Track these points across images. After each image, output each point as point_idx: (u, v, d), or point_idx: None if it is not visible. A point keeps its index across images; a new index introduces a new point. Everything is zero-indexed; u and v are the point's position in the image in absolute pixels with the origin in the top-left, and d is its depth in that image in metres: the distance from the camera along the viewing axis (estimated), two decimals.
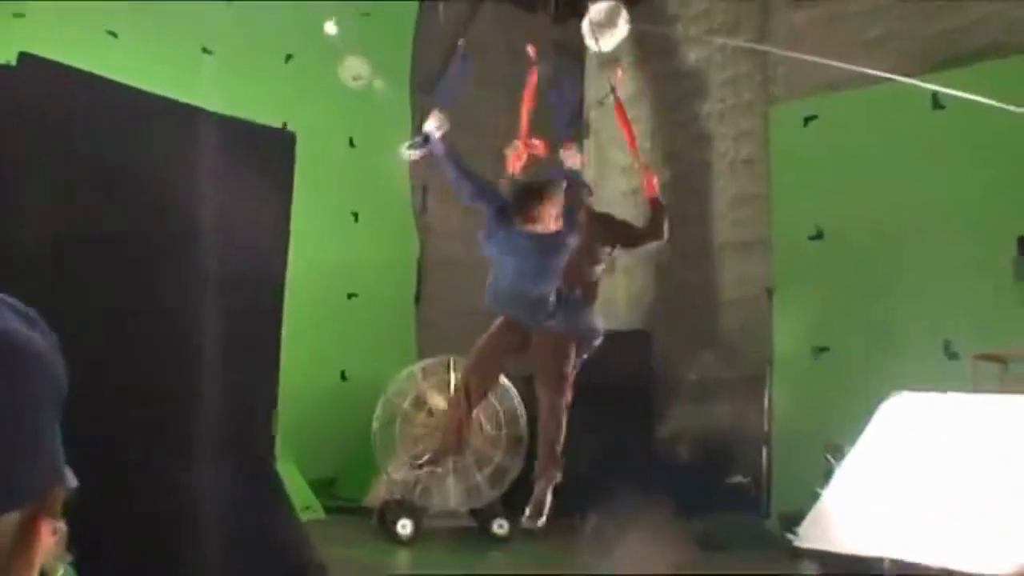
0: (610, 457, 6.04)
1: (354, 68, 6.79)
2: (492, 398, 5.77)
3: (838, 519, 4.26)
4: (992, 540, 3.65)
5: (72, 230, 3.61)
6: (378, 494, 6.01)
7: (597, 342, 4.47)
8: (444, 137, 4.42)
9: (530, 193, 4.18)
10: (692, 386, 7.10)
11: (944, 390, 4.43)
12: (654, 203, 4.79)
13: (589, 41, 4.83)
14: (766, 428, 6.41)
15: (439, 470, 5.22)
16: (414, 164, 7.46)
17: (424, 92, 7.40)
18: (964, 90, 4.23)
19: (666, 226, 4.70)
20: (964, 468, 4.01)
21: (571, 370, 4.35)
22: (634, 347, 6.98)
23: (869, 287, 5.99)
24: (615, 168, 7.86)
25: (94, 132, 3.74)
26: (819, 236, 6.29)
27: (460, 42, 5.10)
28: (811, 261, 6.34)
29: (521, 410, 5.75)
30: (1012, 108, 3.88)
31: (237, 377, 4.25)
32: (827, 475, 4.58)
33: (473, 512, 5.97)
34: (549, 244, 4.15)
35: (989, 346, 5.09)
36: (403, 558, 5.52)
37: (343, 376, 7.09)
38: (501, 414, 5.86)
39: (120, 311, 3.70)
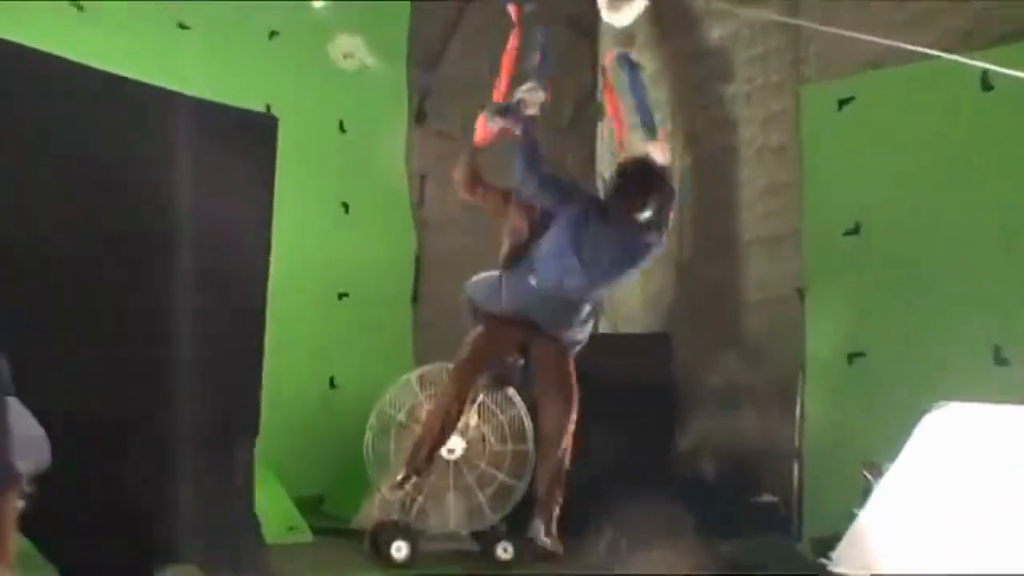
0: (625, 471, 6.01)
1: (345, 45, 6.77)
2: (496, 410, 5.76)
3: (876, 542, 4.23)
4: None
5: (38, 221, 3.62)
6: (371, 514, 5.98)
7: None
8: (529, 118, 4.36)
9: (643, 173, 4.10)
10: (716, 395, 7.07)
11: (993, 400, 4.40)
12: None
13: (604, 13, 4.84)
14: (797, 442, 6.38)
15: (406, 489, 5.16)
16: (411, 151, 7.49)
17: (424, 71, 7.37)
18: (1017, 68, 4.19)
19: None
20: (1014, 487, 3.98)
21: (575, 383, 4.35)
22: (652, 352, 6.95)
23: (910, 286, 5.93)
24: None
25: (60, 119, 3.75)
26: (855, 230, 6.24)
27: (540, 39, 5.01)
28: (846, 257, 6.28)
29: (528, 423, 5.73)
30: None
31: (214, 384, 4.25)
32: (864, 494, 4.55)
33: (475, 535, 5.95)
34: (637, 244, 4.09)
35: None
36: None
37: (332, 383, 7.06)
38: (506, 427, 5.84)
39: (84, 309, 3.70)
